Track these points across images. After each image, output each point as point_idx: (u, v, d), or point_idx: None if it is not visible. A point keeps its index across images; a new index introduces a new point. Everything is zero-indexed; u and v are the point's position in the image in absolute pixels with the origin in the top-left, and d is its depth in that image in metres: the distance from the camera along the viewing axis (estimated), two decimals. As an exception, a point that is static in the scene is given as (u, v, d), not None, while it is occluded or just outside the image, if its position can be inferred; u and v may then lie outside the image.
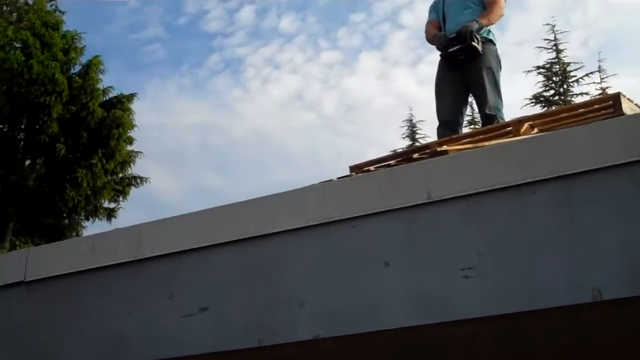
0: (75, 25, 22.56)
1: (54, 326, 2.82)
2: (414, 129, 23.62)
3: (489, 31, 5.61)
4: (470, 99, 5.97)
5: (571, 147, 2.07)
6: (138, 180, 18.69)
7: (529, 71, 21.09)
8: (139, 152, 18.65)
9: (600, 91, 20.00)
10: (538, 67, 21.09)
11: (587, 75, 20.53)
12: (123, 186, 18.39)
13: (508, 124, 4.74)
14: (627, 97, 4.43)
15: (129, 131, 18.28)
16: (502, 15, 5.66)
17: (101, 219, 18.15)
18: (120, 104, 18.29)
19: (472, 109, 15.02)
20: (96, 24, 34.19)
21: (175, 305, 2.56)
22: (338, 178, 3.59)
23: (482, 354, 2.60)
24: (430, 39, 5.77)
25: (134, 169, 18.68)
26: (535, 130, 4.44)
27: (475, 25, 5.37)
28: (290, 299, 2.36)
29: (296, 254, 2.40)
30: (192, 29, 36.71)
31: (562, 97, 20.53)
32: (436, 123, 5.72)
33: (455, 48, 5.44)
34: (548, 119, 4.72)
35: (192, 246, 2.56)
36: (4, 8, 19.25)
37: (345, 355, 2.50)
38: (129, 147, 18.47)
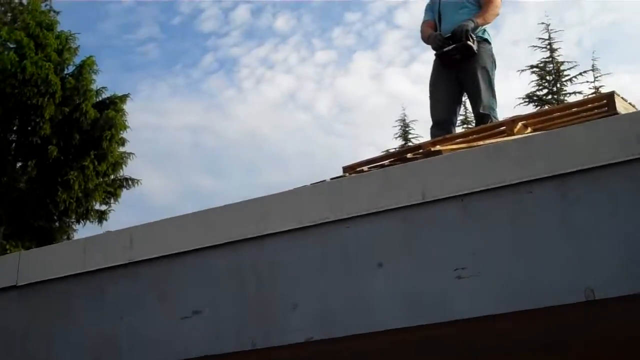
0: (70, 25, 22.46)
1: (45, 331, 2.80)
2: (407, 128, 23.60)
3: (485, 30, 5.60)
4: (464, 98, 5.96)
5: (566, 146, 2.05)
6: (130, 182, 18.61)
7: (522, 70, 21.12)
8: (131, 153, 18.58)
9: (593, 90, 20.01)
10: (532, 66, 21.11)
11: (580, 74, 20.55)
12: (115, 188, 18.31)
13: (502, 124, 4.73)
14: (621, 96, 4.42)
15: (121, 132, 18.22)
16: (497, 15, 5.65)
17: (92, 222, 18.06)
18: (113, 105, 18.21)
19: (465, 108, 15.00)
20: (90, 24, 34.12)
21: (168, 309, 2.54)
22: (331, 179, 3.57)
23: (475, 355, 2.59)
24: (426, 39, 5.75)
25: (126, 171, 18.62)
26: (529, 129, 4.43)
27: (471, 25, 5.36)
28: (284, 301, 2.34)
29: (289, 256, 2.38)
30: (187, 29, 36.68)
31: (556, 96, 20.54)
32: (429, 122, 5.71)
33: (450, 47, 5.42)
34: (542, 118, 4.71)
35: (185, 249, 2.54)
36: (-1, 8, 19.21)
37: (339, 357, 2.48)
38: (121, 149, 18.41)
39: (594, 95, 17.50)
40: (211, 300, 2.47)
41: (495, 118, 5.40)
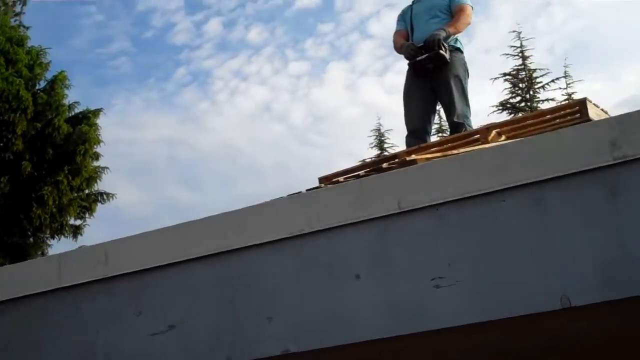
0: (40, 40, 22.41)
1: (21, 348, 2.76)
2: (382, 138, 23.70)
3: (457, 39, 5.65)
4: (438, 107, 5.99)
5: (539, 154, 2.06)
6: (105, 196, 18.48)
7: (495, 78, 21.30)
8: (105, 167, 18.46)
9: (566, 96, 20.22)
10: (505, 74, 21.29)
11: (553, 81, 20.77)
12: (89, 203, 18.16)
13: (476, 132, 4.77)
14: (593, 102, 4.47)
15: (95, 147, 18.09)
16: (469, 24, 5.70)
17: (67, 237, 17.89)
18: (86, 120, 18.08)
19: (439, 117, 15.09)
20: (61, 39, 33.94)
21: (144, 323, 2.52)
22: (307, 190, 3.57)
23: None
24: (399, 48, 5.79)
25: (101, 185, 18.49)
26: (503, 137, 4.46)
27: (443, 34, 5.40)
28: (260, 314, 2.33)
29: (265, 268, 2.37)
30: (159, 43, 36.55)
31: (529, 103, 20.72)
32: (404, 132, 5.74)
33: (423, 56, 5.46)
34: (515, 125, 4.75)
35: (160, 263, 2.52)
36: (-32, 25, 19.01)
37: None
38: (96, 163, 18.29)
39: (566, 102, 17.67)
40: (187, 314, 2.45)
41: (470, 126, 5.43)
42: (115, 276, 2.60)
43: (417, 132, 5.59)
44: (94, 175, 18.12)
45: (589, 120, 4.17)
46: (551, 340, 2.39)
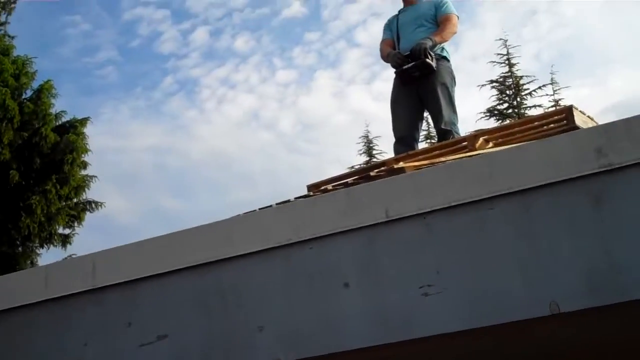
0: (26, 49, 22.24)
1: None
2: (371, 145, 23.71)
3: (443, 48, 5.67)
4: (426, 114, 6.01)
5: (526, 162, 2.08)
6: (93, 205, 18.39)
7: (482, 85, 21.39)
8: (93, 176, 18.37)
9: (553, 103, 20.32)
10: (492, 81, 21.38)
11: (539, 87, 20.86)
12: (78, 211, 18.07)
13: (464, 139, 4.78)
14: (579, 109, 4.50)
15: (83, 155, 18.01)
16: (455, 33, 5.73)
17: (56, 246, 17.79)
18: (73, 129, 18.00)
19: (427, 124, 15.14)
20: (47, 48, 33.74)
21: (133, 334, 2.51)
22: (295, 198, 3.57)
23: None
24: (385, 57, 5.81)
25: (89, 194, 18.40)
26: (491, 144, 4.48)
27: (429, 43, 5.42)
28: (249, 324, 2.33)
29: (254, 278, 2.37)
30: (146, 51, 36.45)
31: (516, 110, 20.80)
32: (392, 139, 5.75)
33: (409, 65, 5.48)
34: (503, 132, 4.77)
35: (148, 273, 2.51)
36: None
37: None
38: (84, 172, 18.21)
39: (553, 109, 17.74)
40: (176, 325, 2.45)
41: (457, 133, 5.46)
42: (104, 287, 2.59)
43: (405, 140, 5.61)
44: (82, 184, 18.03)
45: (576, 127, 4.20)
46: (541, 347, 2.40)
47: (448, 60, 5.70)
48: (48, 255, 17.62)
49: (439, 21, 5.65)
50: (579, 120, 4.33)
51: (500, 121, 20.37)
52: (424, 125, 12.25)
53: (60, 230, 17.95)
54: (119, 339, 2.55)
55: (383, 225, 2.21)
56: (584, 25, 34.62)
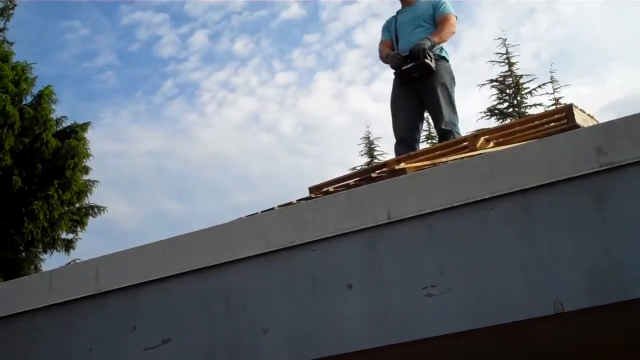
0: (25, 55, 22.36)
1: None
2: (372, 146, 23.71)
3: (442, 48, 5.67)
4: (426, 114, 6.01)
5: (526, 162, 2.08)
6: (95, 210, 18.41)
7: (482, 85, 21.39)
8: (95, 181, 18.39)
9: (553, 101, 20.32)
10: (491, 81, 21.38)
11: (539, 86, 20.85)
12: (80, 216, 18.08)
13: (464, 139, 4.78)
14: (579, 107, 4.50)
15: (84, 160, 18.03)
16: (453, 33, 5.73)
17: (59, 251, 17.81)
18: (74, 134, 18.01)
19: (428, 124, 15.13)
20: (47, 53, 33.77)
21: (137, 338, 2.52)
22: (297, 200, 3.58)
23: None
24: (384, 58, 5.81)
25: (91, 199, 18.41)
26: (491, 144, 4.48)
27: (428, 43, 5.42)
28: (253, 327, 2.34)
29: (257, 281, 2.38)
30: (145, 56, 36.49)
31: (516, 109, 20.79)
32: (393, 139, 5.75)
33: (408, 66, 5.48)
34: (503, 132, 4.77)
35: (152, 278, 2.52)
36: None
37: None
38: (85, 177, 18.22)
39: (553, 107, 17.74)
40: (180, 329, 2.46)
41: (458, 133, 5.46)
42: (107, 292, 2.61)
43: (405, 141, 5.61)
44: (84, 189, 18.04)
45: (576, 125, 4.20)
46: (543, 346, 2.41)
47: (447, 61, 5.70)
48: (51, 261, 17.67)
49: (438, 21, 5.65)
50: (579, 118, 4.33)
51: (500, 120, 20.36)
52: (425, 126, 12.27)
53: (64, 236, 17.97)
54: (123, 344, 2.56)
55: (385, 227, 2.21)
56: (583, 24, 34.67)
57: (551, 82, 20.73)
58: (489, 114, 21.09)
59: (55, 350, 2.70)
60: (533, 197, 2.04)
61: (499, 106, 21.23)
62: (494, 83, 21.37)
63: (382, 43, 5.96)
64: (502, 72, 21.38)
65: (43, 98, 18.10)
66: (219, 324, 2.41)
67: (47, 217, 16.91)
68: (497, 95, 21.34)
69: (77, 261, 16.36)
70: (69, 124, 18.42)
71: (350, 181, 4.51)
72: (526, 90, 21.09)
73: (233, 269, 2.41)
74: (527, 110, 20.54)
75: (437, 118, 5.55)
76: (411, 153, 4.94)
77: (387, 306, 2.17)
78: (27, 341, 2.76)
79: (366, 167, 16.24)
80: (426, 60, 5.38)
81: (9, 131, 16.86)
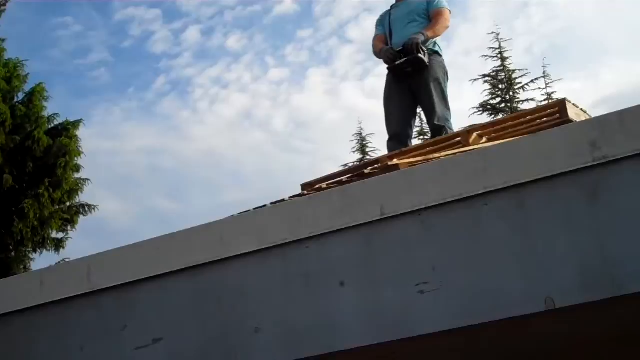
0: (17, 52, 22.22)
1: (5, 365, 2.74)
2: (364, 142, 23.72)
3: (435, 43, 5.67)
4: (419, 110, 6.01)
5: (519, 156, 2.07)
6: (87, 208, 18.36)
7: (475, 80, 21.41)
8: (86, 179, 18.34)
9: (546, 96, 20.36)
10: (484, 76, 21.41)
11: (532, 81, 20.90)
12: (71, 215, 18.02)
13: (457, 135, 4.79)
14: (572, 102, 4.50)
15: (75, 159, 17.99)
16: (447, 27, 5.73)
17: (49, 250, 17.75)
18: (66, 132, 17.96)
19: (420, 120, 15.13)
20: (39, 50, 33.65)
21: (129, 337, 2.51)
22: (290, 197, 3.57)
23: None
24: (378, 53, 5.81)
25: (82, 197, 18.36)
26: (484, 139, 4.48)
27: (421, 38, 5.42)
28: (246, 325, 2.32)
29: (250, 279, 2.36)
30: (138, 52, 36.40)
31: (509, 104, 20.83)
32: (386, 135, 5.75)
33: (402, 60, 5.48)
34: (496, 127, 4.78)
35: (143, 276, 2.50)
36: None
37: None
38: (77, 175, 18.17)
39: (546, 102, 17.77)
40: (173, 327, 2.44)
41: (451, 129, 5.46)
42: (99, 290, 2.59)
43: (398, 137, 5.61)
44: (76, 188, 18.00)
45: (569, 120, 4.20)
46: (538, 343, 2.40)
47: (440, 55, 5.70)
48: (41, 260, 17.60)
49: (431, 16, 5.65)
50: (572, 113, 4.34)
51: (493, 116, 20.41)
52: (417, 122, 12.27)
53: (54, 235, 17.92)
54: (115, 342, 2.54)
55: (378, 223, 2.20)
56: (577, 18, 34.71)
57: (544, 77, 20.81)
58: (481, 109, 21.15)
59: (46, 349, 2.68)
60: (526, 192, 2.03)
61: (491, 101, 21.29)
62: (487, 78, 21.42)
63: (375, 38, 5.96)
64: (495, 67, 21.46)
65: (35, 95, 18.04)
66: (211, 323, 2.40)
67: (37, 216, 16.85)
68: (489, 91, 21.41)
69: (67, 260, 16.33)
70: (60, 122, 18.38)
71: (343, 178, 4.50)
72: (519, 85, 21.16)
73: (226, 267, 2.40)
74: (519, 105, 20.60)
75: (430, 114, 5.55)
76: (404, 149, 4.93)
77: (380, 303, 2.16)
78: (19, 340, 2.75)
79: (359, 163, 16.23)
80: (419, 55, 5.37)
81: (0, 129, 16.80)
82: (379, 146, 22.19)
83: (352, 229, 2.23)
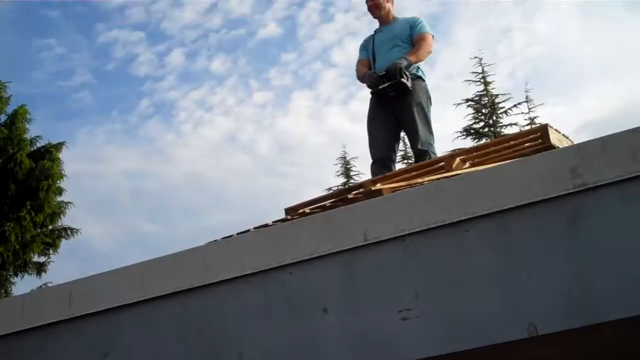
0: (0, 74, 22.13)
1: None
2: (348, 166, 23.72)
3: (418, 68, 5.70)
4: (402, 134, 6.03)
5: (501, 183, 2.08)
6: (69, 232, 18.22)
7: (459, 104, 21.51)
8: (69, 202, 18.22)
9: (528, 121, 20.48)
10: (467, 100, 21.51)
11: (515, 106, 20.99)
12: (53, 238, 17.86)
13: (440, 159, 4.79)
14: (554, 127, 4.53)
15: (58, 182, 17.88)
16: (430, 52, 5.76)
17: (30, 274, 17.58)
18: (48, 154, 17.86)
19: (404, 144, 15.16)
20: (21, 72, 33.52)
21: (111, 364, 2.48)
22: (273, 222, 3.56)
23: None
24: (361, 77, 5.82)
25: (65, 220, 18.22)
26: (467, 164, 4.50)
27: (404, 63, 5.44)
28: (229, 350, 2.31)
29: (234, 304, 2.35)
30: (121, 74, 36.29)
31: (492, 129, 20.93)
32: (370, 159, 5.76)
33: (385, 85, 5.49)
34: (479, 152, 4.79)
35: (126, 302, 2.49)
36: None
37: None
38: (59, 198, 18.05)
39: (529, 128, 17.88)
40: (154, 354, 2.42)
41: (434, 154, 5.47)
42: (81, 316, 2.57)
43: (382, 161, 5.61)
44: (58, 211, 17.87)
45: (551, 145, 4.23)
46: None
47: (424, 80, 5.72)
48: (22, 284, 17.40)
49: (414, 41, 5.68)
50: (554, 138, 4.36)
51: (476, 140, 20.48)
52: (401, 146, 12.31)
53: (36, 258, 17.74)
54: (97, 369, 2.52)
55: (361, 249, 2.20)
56: (558, 43, 35.00)
57: (526, 102, 20.92)
58: (465, 133, 21.21)
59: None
60: (509, 218, 2.04)
61: (474, 126, 21.37)
62: (470, 102, 21.51)
63: (359, 62, 5.98)
64: (478, 92, 21.55)
65: (17, 117, 17.95)
66: (194, 348, 2.38)
67: (19, 239, 16.69)
68: (473, 115, 21.48)
69: (49, 284, 16.19)
70: (43, 144, 18.28)
71: (327, 202, 4.50)
72: (502, 110, 21.25)
73: (209, 292, 2.39)
74: (502, 129, 20.69)
75: (414, 138, 5.56)
76: (387, 174, 4.93)
77: (363, 330, 2.15)
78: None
79: (343, 187, 16.26)
80: (402, 80, 5.39)
81: (-19, 152, 16.70)
82: (363, 170, 22.21)
83: (335, 254, 2.23)
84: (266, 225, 3.28)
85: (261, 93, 38.83)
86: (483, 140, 19.09)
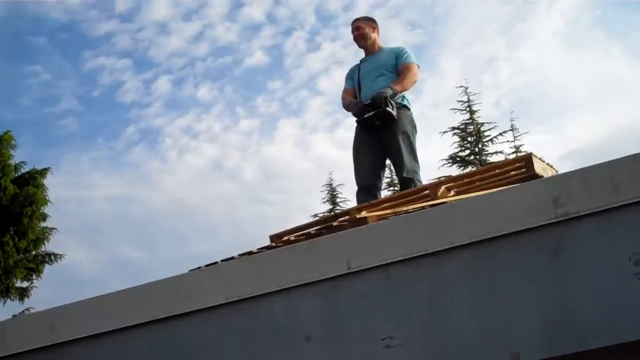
0: (-15, 101, 22.08)
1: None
2: (335, 192, 23.75)
3: (404, 97, 5.73)
4: (388, 162, 6.05)
5: (484, 213, 2.10)
6: (52, 257, 18.10)
7: (444, 132, 21.63)
8: (53, 228, 18.13)
9: (514, 149, 20.61)
10: (453, 128, 21.63)
11: (500, 134, 21.14)
12: (36, 264, 17.74)
13: (425, 187, 4.81)
14: (538, 157, 4.56)
15: (42, 207, 17.79)
16: (415, 82, 5.80)
17: (13, 300, 17.44)
18: (33, 180, 17.80)
19: (390, 171, 15.20)
20: (7, 98, 33.37)
21: (92, 392, 2.46)
22: (258, 249, 3.55)
23: None
24: (347, 106, 5.85)
25: (49, 246, 18.11)
26: (452, 192, 4.51)
27: (390, 92, 5.48)
28: (212, 379, 2.29)
29: (217, 332, 2.35)
30: (107, 101, 36.21)
31: (478, 157, 21.04)
32: (355, 186, 5.77)
33: (370, 114, 5.52)
34: (464, 181, 4.81)
35: (108, 329, 2.47)
36: None
37: None
38: (43, 224, 17.95)
39: (513, 156, 17.98)
40: (137, 382, 2.41)
41: (419, 182, 5.48)
42: (63, 343, 2.55)
43: (367, 188, 5.62)
44: (42, 237, 17.76)
45: (535, 174, 4.25)
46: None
47: (409, 109, 5.76)
48: (5, 309, 17.23)
49: (400, 70, 5.71)
50: (538, 167, 4.39)
51: (462, 168, 20.57)
52: (387, 173, 12.34)
53: (18, 284, 17.60)
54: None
55: (345, 277, 2.20)
56: (543, 73, 35.30)
57: (512, 130, 21.06)
58: (450, 161, 21.30)
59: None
60: (491, 247, 2.05)
61: (460, 154, 21.47)
62: (456, 131, 21.64)
63: (345, 91, 6.01)
64: (464, 120, 21.68)
65: (2, 143, 17.90)
66: (176, 377, 2.37)
67: (2, 264, 16.57)
68: (458, 143, 21.59)
69: (31, 309, 16.05)
70: (27, 170, 18.22)
71: (312, 229, 4.49)
72: (487, 138, 21.38)
73: (193, 320, 2.38)
74: (488, 157, 20.80)
75: (399, 166, 5.58)
76: (373, 201, 4.94)
77: (346, 358, 2.15)
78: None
79: (328, 214, 16.25)
80: (388, 109, 5.42)
81: (-34, 177, 16.61)
82: (349, 196, 22.24)
83: (318, 283, 2.23)
84: (251, 253, 3.27)
85: (247, 120, 38.82)
86: (469, 168, 19.17)
